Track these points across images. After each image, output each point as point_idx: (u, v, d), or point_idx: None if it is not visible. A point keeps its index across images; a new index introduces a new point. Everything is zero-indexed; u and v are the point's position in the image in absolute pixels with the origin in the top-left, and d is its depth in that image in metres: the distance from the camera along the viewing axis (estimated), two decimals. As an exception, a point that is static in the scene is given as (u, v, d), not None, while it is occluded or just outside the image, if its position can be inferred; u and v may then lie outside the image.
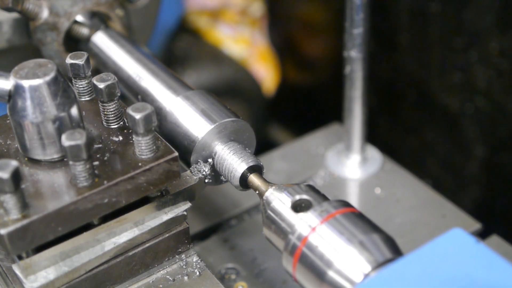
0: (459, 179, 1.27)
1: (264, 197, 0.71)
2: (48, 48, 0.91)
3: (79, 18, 0.91)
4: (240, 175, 0.73)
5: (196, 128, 0.74)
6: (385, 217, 0.91)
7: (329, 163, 1.01)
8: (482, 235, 0.88)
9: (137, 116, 0.66)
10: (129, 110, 0.66)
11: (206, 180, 0.74)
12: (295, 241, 0.66)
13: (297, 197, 0.68)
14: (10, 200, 0.62)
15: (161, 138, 0.70)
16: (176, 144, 0.73)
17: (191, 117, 0.75)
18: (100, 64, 0.90)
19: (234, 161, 0.73)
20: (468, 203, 1.24)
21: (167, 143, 0.69)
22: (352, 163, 1.00)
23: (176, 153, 0.68)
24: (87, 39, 0.91)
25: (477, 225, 0.89)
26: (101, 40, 0.91)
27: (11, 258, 0.69)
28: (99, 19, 0.93)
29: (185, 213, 0.72)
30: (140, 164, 0.67)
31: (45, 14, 0.89)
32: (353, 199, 0.96)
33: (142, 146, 0.67)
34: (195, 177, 0.73)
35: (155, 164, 0.67)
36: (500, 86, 1.13)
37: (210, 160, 0.74)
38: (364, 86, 0.93)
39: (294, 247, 0.66)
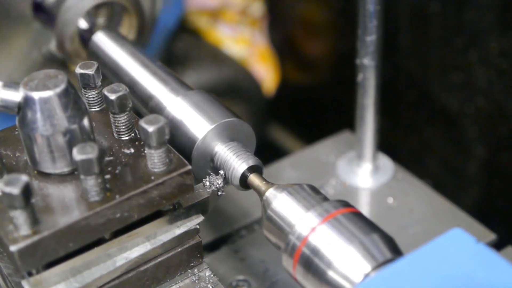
0: (459, 179, 1.27)
1: (264, 197, 0.71)
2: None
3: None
4: (240, 175, 0.73)
5: (196, 128, 0.74)
6: (398, 228, 0.90)
7: (340, 172, 1.00)
8: (497, 246, 0.88)
9: (150, 129, 0.64)
10: (142, 123, 0.65)
11: (219, 193, 0.73)
12: (295, 241, 0.66)
13: None
14: (20, 216, 0.61)
15: (174, 150, 0.69)
16: (176, 144, 0.73)
17: (191, 117, 0.75)
18: (100, 64, 0.89)
19: (234, 161, 0.73)
20: (468, 203, 1.25)
21: (180, 156, 0.68)
22: (363, 172, 0.99)
23: (189, 166, 0.67)
24: None
25: (492, 236, 0.89)
26: (101, 40, 0.90)
27: (20, 274, 0.68)
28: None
29: (197, 226, 0.71)
30: (152, 177, 0.66)
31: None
32: (365, 208, 0.95)
33: (155, 159, 0.66)
34: (208, 190, 0.72)
35: (168, 178, 0.66)
36: (500, 86, 1.13)
37: (222, 172, 0.73)
38: (377, 94, 0.92)
39: (294, 247, 0.66)
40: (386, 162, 1.01)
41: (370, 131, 0.95)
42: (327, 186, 0.98)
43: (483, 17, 1.10)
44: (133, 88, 0.83)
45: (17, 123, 0.67)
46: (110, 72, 0.87)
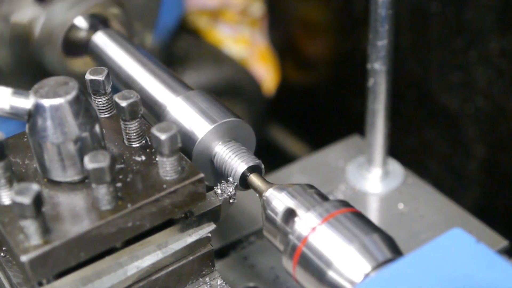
0: (459, 179, 1.27)
1: (264, 197, 0.70)
2: (48, 58, 0.91)
3: (77, 21, 0.91)
4: (240, 175, 0.72)
5: (196, 128, 0.74)
6: (409, 234, 0.89)
7: (350, 177, 0.99)
8: (510, 252, 0.88)
9: (163, 136, 0.64)
10: (154, 131, 0.64)
11: (231, 201, 0.72)
12: (295, 241, 0.66)
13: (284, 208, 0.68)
14: (31, 225, 0.60)
15: (185, 158, 0.68)
16: None
17: (191, 117, 0.75)
18: (101, 64, 0.89)
19: (234, 161, 0.73)
20: (468, 203, 1.25)
21: (192, 163, 0.67)
22: (373, 177, 0.98)
23: (202, 174, 0.66)
24: (86, 42, 0.91)
25: (504, 242, 0.88)
26: (101, 40, 0.90)
27: (31, 284, 0.67)
28: (97, 20, 0.92)
29: (209, 235, 0.70)
30: (164, 186, 0.65)
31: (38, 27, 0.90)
32: (375, 214, 0.94)
33: (167, 167, 0.65)
34: (220, 198, 0.71)
35: (180, 186, 0.65)
36: (500, 86, 1.13)
37: (231, 179, 0.73)
38: (388, 99, 0.91)
39: (294, 247, 0.66)
40: (396, 167, 1.00)
41: (380, 136, 0.94)
42: (337, 191, 0.98)
43: (483, 17, 1.10)
44: (133, 88, 0.82)
45: (27, 130, 0.66)
46: (110, 72, 0.87)
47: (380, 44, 0.85)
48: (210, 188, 0.73)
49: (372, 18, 0.84)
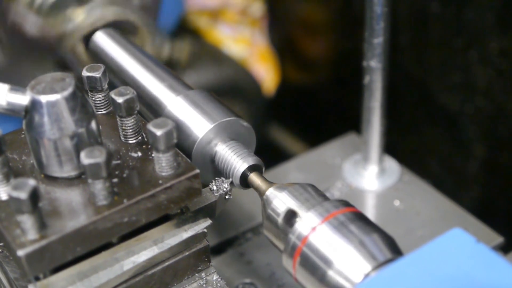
0: (459, 179, 1.27)
1: (264, 196, 0.71)
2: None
3: None
4: (240, 174, 0.73)
5: (196, 127, 0.74)
6: (405, 230, 0.89)
7: (346, 174, 1.00)
8: (504, 249, 0.88)
9: (158, 132, 0.64)
10: (150, 126, 0.64)
11: (227, 197, 0.73)
12: (295, 241, 0.66)
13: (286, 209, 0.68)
14: (27, 220, 0.61)
15: (181, 154, 0.68)
16: (176, 144, 0.72)
17: (191, 116, 0.75)
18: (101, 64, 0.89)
19: (234, 160, 0.73)
20: (468, 203, 1.25)
21: (188, 159, 0.68)
22: (370, 175, 0.98)
23: (198, 170, 0.67)
24: None
25: (499, 239, 0.88)
26: (101, 39, 0.90)
27: (27, 278, 0.67)
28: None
29: (205, 230, 0.70)
30: (160, 181, 0.66)
31: None
32: (372, 211, 0.94)
33: (163, 162, 0.66)
34: (215, 194, 0.71)
35: (176, 182, 0.66)
36: (500, 86, 1.13)
37: (229, 178, 0.73)
38: (384, 97, 0.92)
39: (294, 247, 0.66)
40: (392, 164, 1.01)
41: (376, 133, 0.94)
42: (333, 188, 0.98)
43: (483, 17, 1.10)
44: (133, 87, 0.82)
45: (24, 126, 0.66)
46: (110, 72, 0.87)
47: (376, 41, 0.86)
48: (206, 185, 0.73)
49: (368, 16, 0.85)
